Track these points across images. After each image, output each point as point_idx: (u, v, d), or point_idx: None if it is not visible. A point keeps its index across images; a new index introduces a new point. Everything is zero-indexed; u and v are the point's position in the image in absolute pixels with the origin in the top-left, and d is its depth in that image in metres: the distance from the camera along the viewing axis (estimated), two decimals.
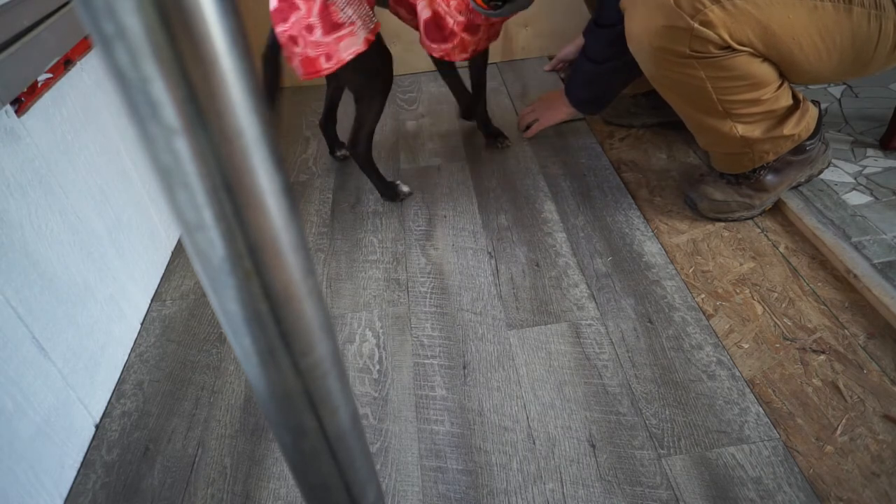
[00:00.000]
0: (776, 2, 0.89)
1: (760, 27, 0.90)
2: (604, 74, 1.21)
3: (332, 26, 1.00)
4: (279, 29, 1.00)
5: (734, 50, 0.92)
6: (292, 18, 0.99)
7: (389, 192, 1.26)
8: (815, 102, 1.08)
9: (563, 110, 1.35)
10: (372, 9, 1.06)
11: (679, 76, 0.98)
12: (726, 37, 0.90)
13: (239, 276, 0.21)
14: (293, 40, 1.00)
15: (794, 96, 1.02)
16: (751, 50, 0.93)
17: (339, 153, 1.42)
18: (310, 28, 0.99)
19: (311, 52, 1.01)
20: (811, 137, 1.06)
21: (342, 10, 1.01)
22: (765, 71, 0.96)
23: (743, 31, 0.90)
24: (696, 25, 0.90)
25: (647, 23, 0.96)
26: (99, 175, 0.97)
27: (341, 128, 1.40)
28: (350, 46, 1.03)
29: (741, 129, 1.02)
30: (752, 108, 0.99)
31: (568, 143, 1.41)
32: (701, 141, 1.12)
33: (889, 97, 1.40)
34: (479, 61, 1.29)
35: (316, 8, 0.98)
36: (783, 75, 0.99)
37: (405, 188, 1.26)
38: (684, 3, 0.90)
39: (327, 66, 1.02)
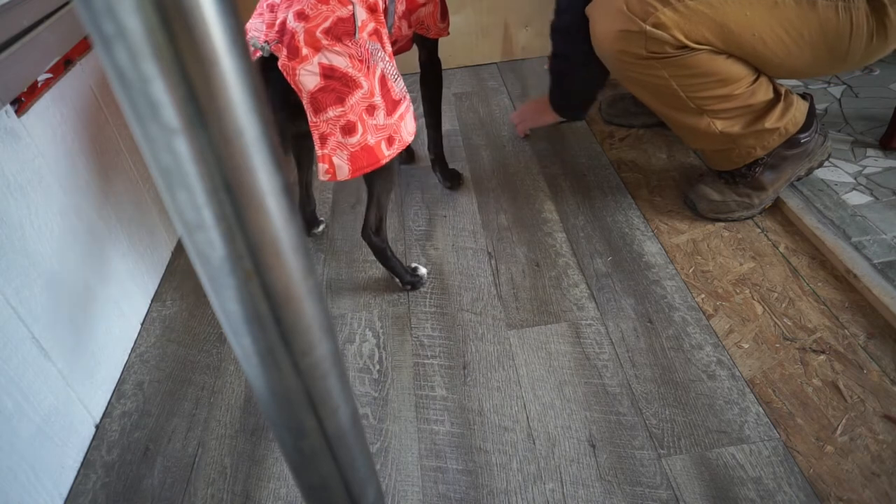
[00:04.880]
0: (731, 1, 0.89)
1: (716, 25, 0.90)
2: (569, 73, 1.18)
3: (392, 104, 0.83)
4: (330, 114, 0.78)
5: (692, 49, 0.93)
6: (351, 100, 0.78)
7: (412, 281, 1.06)
8: (806, 96, 1.07)
9: (547, 114, 1.32)
10: None
11: (643, 77, 0.99)
12: (681, 37, 0.91)
13: (239, 276, 0.21)
14: (348, 129, 0.79)
15: (776, 90, 1.02)
16: (710, 48, 0.93)
17: (316, 230, 1.22)
18: (372, 109, 0.80)
19: (372, 139, 0.81)
20: (804, 130, 1.05)
21: (395, 81, 0.84)
22: (731, 67, 0.96)
23: (698, 30, 0.91)
24: (648, 28, 0.91)
25: (605, 28, 0.98)
26: (99, 175, 0.97)
27: None
28: (410, 125, 0.86)
29: (720, 125, 1.02)
30: (725, 103, 0.99)
31: (568, 143, 1.41)
32: (685, 140, 1.12)
33: (889, 97, 1.40)
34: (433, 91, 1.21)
35: (377, 83, 0.81)
36: (760, 70, 0.99)
37: (423, 270, 1.08)
38: (636, 6, 0.91)
39: (388, 153, 0.84)
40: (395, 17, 1.00)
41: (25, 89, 0.81)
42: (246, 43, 0.18)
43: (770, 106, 1.01)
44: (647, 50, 0.94)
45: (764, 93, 1.00)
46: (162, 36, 0.16)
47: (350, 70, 0.78)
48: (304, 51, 0.77)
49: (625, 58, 0.97)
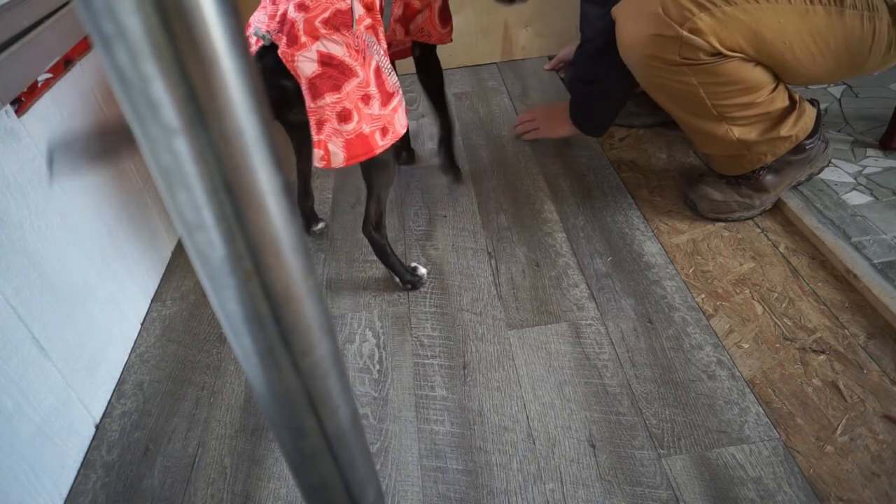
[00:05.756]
0: (766, 7, 0.89)
1: (750, 33, 0.90)
2: (596, 95, 1.20)
3: (386, 96, 0.85)
4: (327, 100, 0.80)
5: (725, 56, 0.92)
6: (347, 87, 0.80)
7: (412, 280, 1.06)
8: (814, 102, 1.08)
9: (564, 127, 1.33)
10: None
11: (671, 83, 0.98)
12: (716, 43, 0.90)
13: (239, 276, 0.21)
14: (344, 116, 0.81)
15: (791, 97, 1.02)
16: (742, 55, 0.93)
17: (315, 228, 1.22)
18: (367, 99, 0.82)
19: (367, 128, 0.83)
20: (810, 137, 1.06)
21: (389, 75, 0.86)
22: (757, 75, 0.96)
23: (733, 37, 0.90)
24: (684, 33, 0.90)
25: (636, 32, 0.96)
26: (99, 175, 0.97)
27: None
28: (402, 118, 0.88)
29: (737, 132, 1.02)
30: (746, 111, 0.99)
31: (568, 143, 1.41)
32: (697, 144, 1.12)
33: (889, 97, 1.40)
34: (435, 83, 1.23)
35: (372, 74, 0.82)
36: (778, 77, 0.99)
37: (423, 270, 1.08)
38: (672, 11, 0.90)
39: (382, 144, 0.85)
40: (391, 20, 1.00)
41: (25, 89, 0.81)
42: (246, 43, 0.18)
43: (786, 113, 1.01)
44: (680, 56, 0.93)
45: (781, 100, 1.00)
46: (162, 36, 0.16)
47: (347, 59, 0.80)
48: (303, 39, 0.79)
49: (655, 63, 0.96)
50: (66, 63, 0.94)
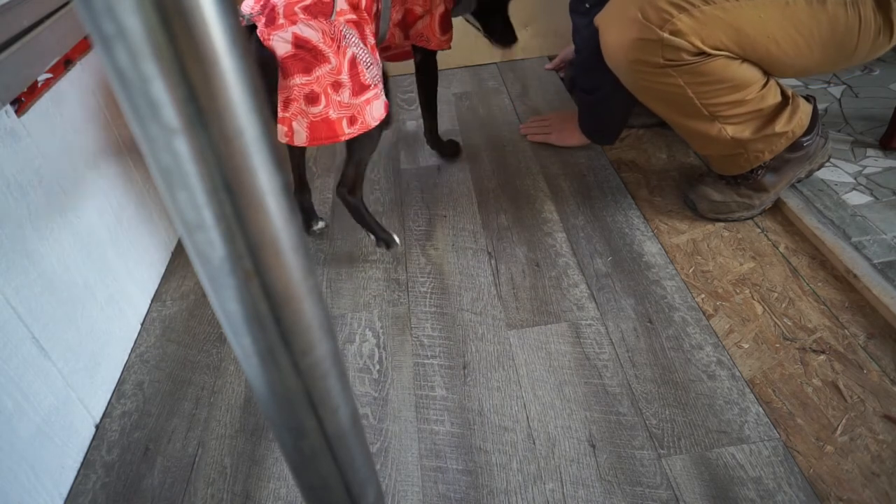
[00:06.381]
0: (745, 4, 0.89)
1: (732, 30, 0.90)
2: (598, 103, 1.22)
3: (360, 87, 0.87)
4: (297, 81, 0.83)
5: (709, 55, 0.92)
6: (318, 72, 0.83)
7: (386, 238, 1.10)
8: (809, 98, 1.08)
9: (575, 136, 1.35)
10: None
11: (658, 85, 0.98)
12: (698, 43, 0.90)
13: (239, 276, 0.21)
14: (312, 99, 0.84)
15: (783, 93, 1.02)
16: (726, 53, 0.93)
17: (316, 227, 1.21)
18: (337, 86, 0.85)
19: (334, 114, 0.86)
20: (807, 133, 1.06)
21: (367, 68, 0.88)
22: (745, 72, 0.96)
23: (715, 35, 0.90)
24: (665, 35, 0.90)
25: (619, 37, 0.97)
26: (99, 175, 0.97)
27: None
28: (376, 111, 0.91)
29: (731, 131, 1.02)
30: (737, 108, 0.99)
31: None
32: (694, 146, 1.12)
33: (889, 97, 1.40)
34: (429, 81, 1.28)
35: (346, 63, 0.85)
36: (768, 73, 0.99)
37: (397, 238, 1.11)
38: (652, 14, 0.90)
39: (349, 132, 0.88)
40: (390, 24, 1.02)
41: (25, 89, 0.81)
42: (246, 43, 0.18)
43: (779, 110, 1.01)
44: (663, 58, 0.93)
45: (773, 97, 1.00)
46: (162, 36, 0.16)
47: (321, 44, 0.83)
48: (281, 20, 0.83)
49: (640, 67, 0.96)
50: (66, 63, 0.94)
